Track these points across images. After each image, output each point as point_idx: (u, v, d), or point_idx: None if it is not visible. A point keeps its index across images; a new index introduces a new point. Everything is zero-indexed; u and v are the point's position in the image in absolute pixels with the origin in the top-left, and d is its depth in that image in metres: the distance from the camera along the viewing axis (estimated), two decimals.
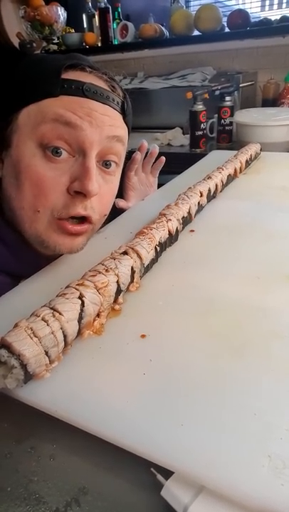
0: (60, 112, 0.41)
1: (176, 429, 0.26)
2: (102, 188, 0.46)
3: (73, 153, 0.43)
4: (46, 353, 0.30)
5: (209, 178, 0.66)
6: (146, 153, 0.76)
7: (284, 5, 1.91)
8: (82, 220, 0.46)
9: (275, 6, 1.97)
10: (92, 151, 0.43)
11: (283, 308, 0.38)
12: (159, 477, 0.25)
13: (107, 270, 0.38)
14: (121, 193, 0.74)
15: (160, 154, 0.79)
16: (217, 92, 1.38)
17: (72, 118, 0.42)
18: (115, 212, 0.67)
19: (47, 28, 1.85)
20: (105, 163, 0.47)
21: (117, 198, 0.57)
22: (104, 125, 0.44)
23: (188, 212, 0.56)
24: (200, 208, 0.61)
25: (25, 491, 0.26)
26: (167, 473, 0.25)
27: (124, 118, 0.48)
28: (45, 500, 0.25)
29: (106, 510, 0.25)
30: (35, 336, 0.29)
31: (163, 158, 0.78)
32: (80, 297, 0.34)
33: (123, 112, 0.48)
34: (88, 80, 0.44)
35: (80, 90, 0.43)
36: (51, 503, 0.25)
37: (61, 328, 0.31)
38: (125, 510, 0.25)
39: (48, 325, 0.30)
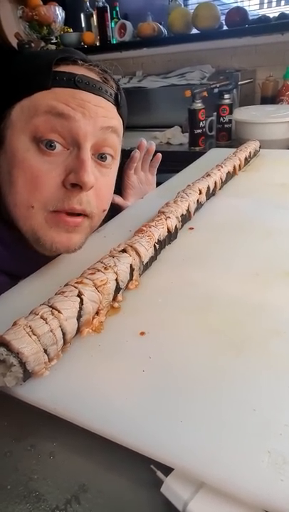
0: (52, 104, 0.41)
1: (176, 425, 0.26)
2: (99, 181, 0.46)
3: (67, 146, 0.43)
4: (45, 351, 0.30)
5: (208, 175, 0.66)
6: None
7: (282, 2, 1.91)
8: (78, 215, 0.45)
9: (274, 4, 1.96)
10: (87, 142, 0.43)
11: (283, 304, 0.38)
12: (159, 474, 0.25)
13: (106, 268, 0.38)
14: (120, 192, 0.75)
15: (159, 153, 0.79)
16: (216, 90, 1.37)
17: (64, 109, 0.41)
18: (114, 210, 0.67)
19: (45, 27, 1.85)
20: (101, 156, 0.46)
21: (114, 195, 0.57)
22: (97, 116, 0.43)
23: (188, 210, 0.56)
24: (199, 205, 0.60)
25: (25, 489, 0.26)
26: (167, 470, 0.25)
27: (118, 109, 0.48)
28: (45, 498, 0.25)
29: (106, 508, 0.25)
30: (34, 334, 0.29)
31: (159, 155, 0.78)
32: (79, 295, 0.34)
33: (117, 104, 0.48)
34: (80, 72, 0.44)
35: (72, 82, 0.42)
36: (51, 500, 0.25)
37: (60, 326, 0.31)
38: (125, 507, 0.25)
39: (46, 323, 0.30)
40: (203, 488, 0.23)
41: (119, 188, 0.74)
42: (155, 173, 0.80)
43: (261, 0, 1.93)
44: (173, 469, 0.24)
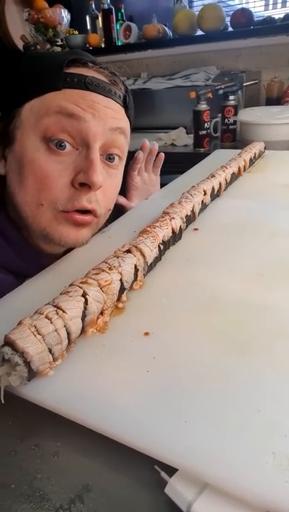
0: (63, 104, 0.42)
1: (180, 426, 0.26)
2: (106, 181, 0.46)
3: (77, 146, 0.43)
4: (50, 351, 0.30)
5: (213, 176, 0.66)
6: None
7: (288, 3, 1.90)
8: (87, 212, 0.45)
9: (279, 5, 1.96)
10: (96, 143, 0.43)
11: (287, 305, 0.37)
12: (163, 474, 0.25)
13: (110, 268, 0.38)
14: (124, 193, 0.75)
15: (164, 154, 0.79)
16: (221, 92, 1.38)
17: (75, 110, 0.42)
18: (118, 211, 0.67)
19: (51, 30, 1.86)
20: (109, 157, 0.47)
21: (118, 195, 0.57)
22: (107, 117, 0.44)
23: (192, 211, 0.56)
24: (204, 206, 0.60)
25: (29, 488, 0.26)
26: (171, 471, 0.25)
27: (126, 111, 0.48)
28: (49, 498, 0.25)
29: (110, 507, 0.25)
30: (39, 334, 0.30)
31: (162, 155, 0.78)
32: (84, 295, 0.34)
33: (125, 106, 0.48)
34: (90, 74, 0.44)
35: (83, 83, 0.43)
36: (55, 500, 0.25)
37: (65, 326, 0.31)
38: (129, 507, 0.25)
39: (51, 323, 0.31)
40: (207, 489, 0.23)
41: (123, 190, 0.74)
42: (159, 173, 0.80)
43: (266, 1, 1.93)
44: (177, 470, 0.24)
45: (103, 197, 0.46)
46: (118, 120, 0.46)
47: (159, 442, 0.25)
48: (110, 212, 0.51)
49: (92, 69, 0.45)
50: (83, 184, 0.43)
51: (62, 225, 0.45)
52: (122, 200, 0.72)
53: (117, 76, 0.48)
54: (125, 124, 0.48)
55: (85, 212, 0.45)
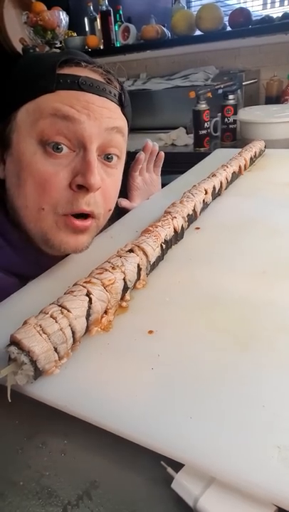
0: (57, 107, 0.42)
1: (186, 421, 0.26)
2: (105, 181, 0.46)
3: (74, 148, 0.43)
4: (55, 350, 0.30)
5: (214, 175, 0.66)
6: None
7: (286, 2, 1.91)
8: (86, 216, 0.46)
9: (277, 4, 1.96)
10: (92, 144, 0.43)
11: None
12: (170, 470, 0.25)
13: (113, 268, 0.39)
14: (125, 194, 0.75)
15: (164, 154, 0.80)
16: (220, 91, 1.38)
17: (69, 111, 0.42)
18: (120, 212, 0.67)
19: (49, 32, 1.87)
20: (107, 157, 0.46)
21: (120, 197, 0.57)
22: (102, 117, 0.44)
23: (194, 210, 0.56)
24: (205, 205, 0.61)
25: (38, 485, 0.26)
26: (177, 467, 0.25)
27: (122, 110, 0.48)
28: (58, 494, 0.26)
29: (117, 503, 0.25)
30: (44, 333, 0.30)
31: (162, 154, 0.78)
32: (88, 294, 0.34)
33: (121, 104, 0.48)
34: (84, 74, 0.44)
35: (76, 84, 0.43)
36: (63, 496, 0.25)
37: (69, 325, 0.32)
38: (136, 502, 0.25)
39: (56, 322, 0.31)
40: (213, 483, 0.23)
41: (125, 191, 0.74)
42: (160, 173, 0.80)
43: (264, 0, 1.94)
44: (183, 465, 0.25)
45: (102, 198, 0.46)
46: (114, 119, 0.45)
47: (165, 438, 0.25)
48: (111, 212, 0.50)
49: (86, 68, 0.45)
50: (81, 186, 0.43)
51: (63, 231, 0.45)
52: (126, 203, 0.72)
53: (112, 74, 0.48)
54: (122, 122, 0.47)
55: (84, 216, 0.45)
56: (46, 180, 0.43)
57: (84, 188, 0.43)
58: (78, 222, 0.45)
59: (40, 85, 0.43)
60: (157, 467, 0.26)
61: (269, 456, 0.23)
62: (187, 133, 1.57)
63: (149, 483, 0.26)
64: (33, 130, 0.43)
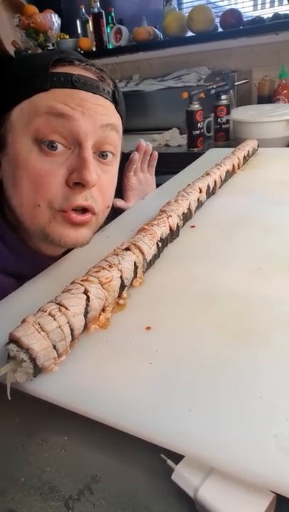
0: (51, 105, 0.42)
1: (185, 414, 0.26)
2: (101, 178, 0.47)
3: (69, 146, 0.44)
4: (54, 347, 0.30)
5: (208, 174, 0.67)
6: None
7: (276, 3, 1.93)
8: (85, 210, 0.46)
9: (268, 5, 1.98)
10: (88, 141, 0.43)
11: (284, 296, 0.38)
12: (170, 462, 0.25)
13: (110, 266, 0.39)
14: (121, 194, 0.75)
15: (158, 155, 0.80)
16: (212, 91, 1.39)
17: (64, 109, 0.42)
18: (116, 212, 0.68)
19: (41, 35, 1.87)
20: (102, 154, 0.47)
21: (115, 198, 0.58)
22: (96, 115, 0.44)
23: (188, 209, 0.57)
24: (200, 204, 0.61)
25: (39, 481, 0.27)
26: (177, 459, 0.25)
27: (116, 107, 0.49)
28: (59, 489, 0.26)
29: (118, 497, 0.25)
30: (43, 331, 0.30)
31: (155, 153, 0.79)
32: (85, 292, 0.35)
33: (115, 101, 0.48)
34: (77, 72, 0.44)
35: (70, 82, 0.43)
36: (64, 491, 0.26)
37: (68, 323, 0.32)
38: (137, 495, 0.25)
39: (55, 319, 0.31)
40: (212, 473, 0.24)
41: (120, 191, 0.75)
42: (154, 173, 0.81)
43: (255, 1, 1.95)
44: (183, 457, 0.25)
45: (99, 194, 0.46)
46: (108, 116, 0.46)
47: (165, 431, 0.26)
48: (109, 209, 0.51)
49: (79, 67, 0.45)
50: (77, 183, 0.43)
51: (61, 224, 0.45)
52: (121, 203, 0.73)
53: (105, 72, 0.48)
54: (116, 119, 0.48)
55: (83, 211, 0.46)
56: (41, 178, 0.43)
57: (80, 184, 0.43)
58: (76, 216, 0.45)
59: (34, 84, 0.43)
60: (157, 460, 0.26)
61: (267, 445, 0.24)
62: (180, 133, 1.58)
63: (150, 476, 0.26)
64: (28, 129, 0.43)
